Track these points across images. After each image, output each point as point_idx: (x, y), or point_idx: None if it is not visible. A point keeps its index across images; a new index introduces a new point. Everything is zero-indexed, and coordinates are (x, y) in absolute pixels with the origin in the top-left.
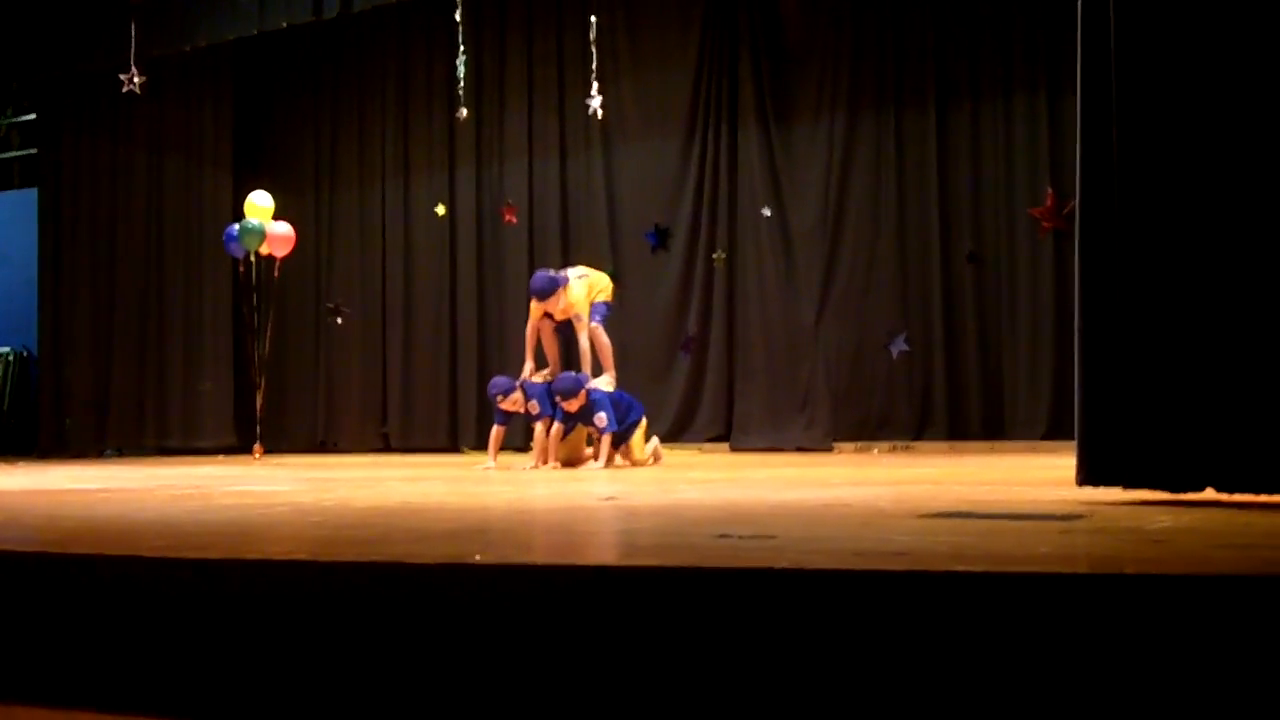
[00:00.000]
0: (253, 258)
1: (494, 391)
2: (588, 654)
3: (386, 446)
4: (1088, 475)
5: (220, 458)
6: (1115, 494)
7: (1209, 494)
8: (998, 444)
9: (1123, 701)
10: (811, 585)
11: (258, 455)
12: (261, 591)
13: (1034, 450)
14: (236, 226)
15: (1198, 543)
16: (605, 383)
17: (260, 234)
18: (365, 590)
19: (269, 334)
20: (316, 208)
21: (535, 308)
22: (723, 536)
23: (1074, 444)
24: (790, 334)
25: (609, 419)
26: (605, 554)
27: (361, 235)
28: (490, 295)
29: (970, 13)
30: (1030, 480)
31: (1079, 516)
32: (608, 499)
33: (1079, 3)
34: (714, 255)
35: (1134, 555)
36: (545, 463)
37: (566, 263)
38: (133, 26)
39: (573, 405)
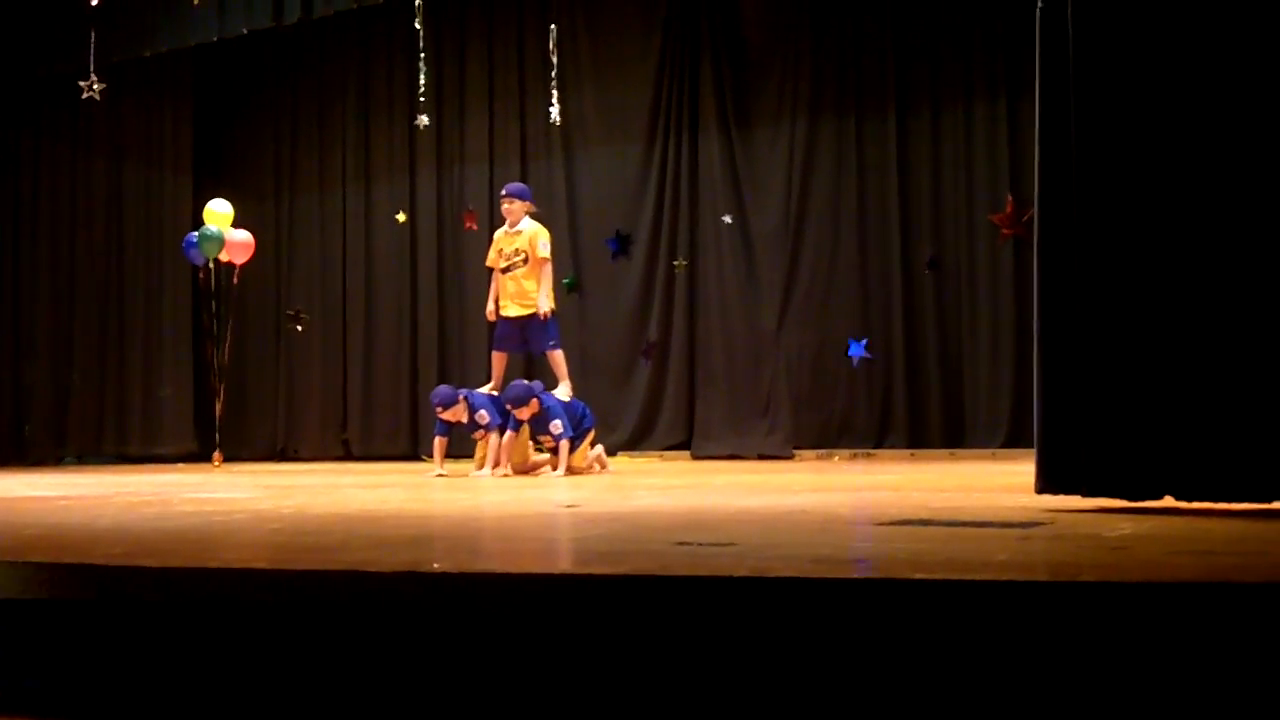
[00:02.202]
0: (211, 264)
1: (436, 401)
2: (546, 662)
3: (347, 454)
4: (1047, 483)
5: (180, 465)
6: (1074, 501)
7: (1168, 502)
8: (958, 451)
9: (1082, 708)
10: (770, 592)
11: (217, 462)
12: (220, 599)
13: (994, 458)
14: (195, 233)
15: (1157, 550)
16: (562, 392)
17: (219, 241)
18: (324, 598)
19: (229, 341)
20: (277, 214)
21: (497, 240)
22: (682, 544)
23: (1033, 451)
24: (751, 340)
25: (564, 426)
26: (564, 561)
27: (322, 242)
28: (451, 302)
29: (930, 20)
30: (989, 487)
31: (1038, 524)
32: (568, 506)
33: (1037, 10)
34: (675, 261)
35: (1093, 562)
36: (496, 469)
37: None
38: (92, 33)
39: (524, 413)
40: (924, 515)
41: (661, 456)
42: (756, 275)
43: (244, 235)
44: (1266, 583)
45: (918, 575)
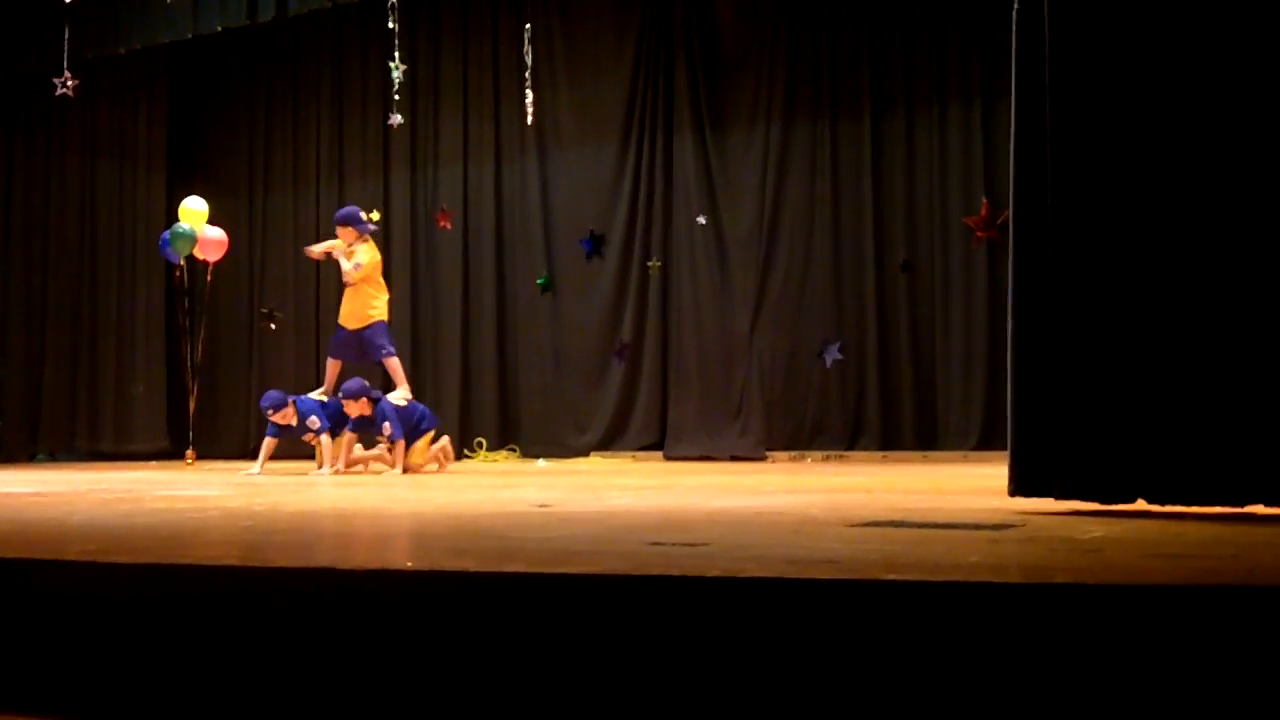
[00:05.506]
0: (183, 262)
1: (266, 405)
2: (517, 660)
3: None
4: (1020, 485)
5: (153, 462)
6: (1047, 504)
7: (1140, 505)
8: (930, 454)
9: (1054, 709)
10: (743, 593)
11: (190, 460)
12: (192, 595)
13: (966, 460)
14: (168, 231)
15: (1129, 553)
16: (399, 396)
17: (191, 239)
18: (296, 595)
19: (202, 338)
20: (250, 212)
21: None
22: (655, 544)
23: (1006, 454)
24: (724, 342)
25: (395, 429)
26: (537, 561)
27: (295, 240)
28: (423, 301)
29: (905, 22)
30: (962, 490)
31: (1011, 526)
32: (541, 506)
33: (1014, 13)
34: (649, 262)
35: (1065, 564)
36: (332, 466)
37: (499, 267)
38: (66, 29)
39: (353, 408)
40: (896, 517)
41: (634, 457)
42: (730, 277)
43: (217, 233)
44: (1238, 586)
45: (890, 576)
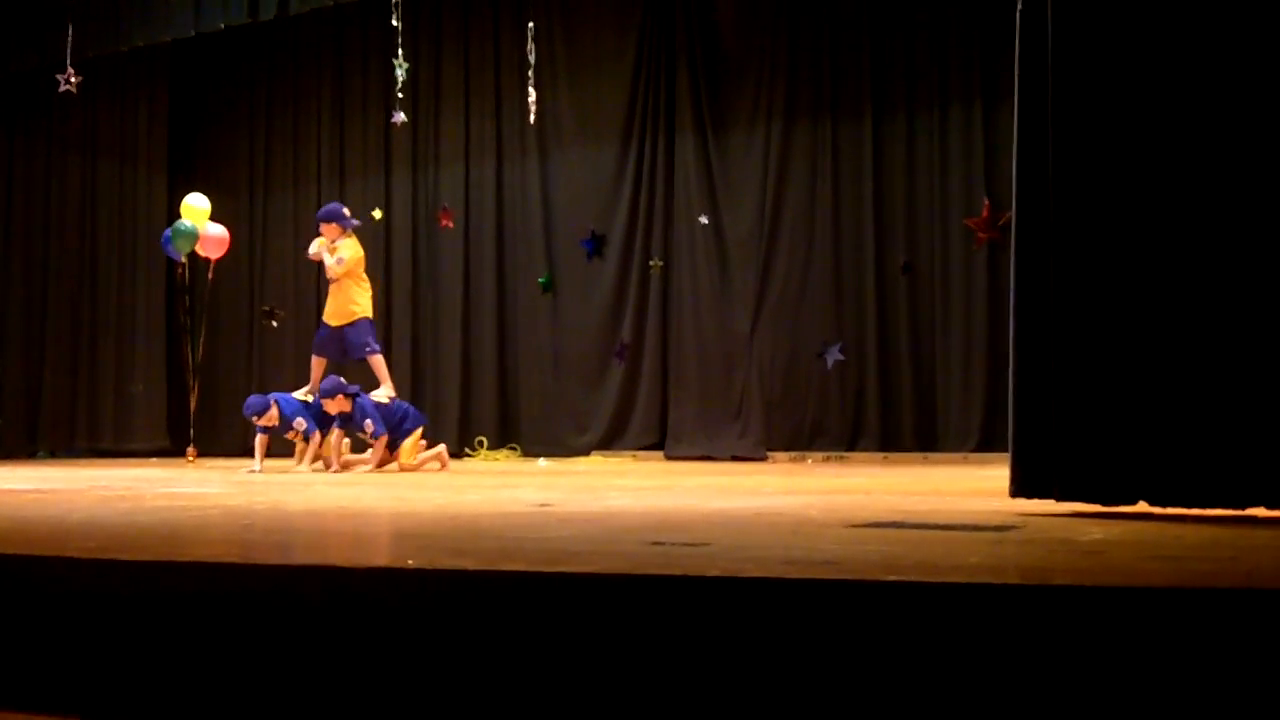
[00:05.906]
0: (184, 259)
1: (249, 413)
2: (517, 660)
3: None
4: (1020, 487)
5: (153, 460)
6: (1048, 506)
7: (1142, 507)
8: (931, 455)
9: (1051, 711)
10: (742, 593)
11: (191, 458)
12: (192, 594)
13: (966, 461)
14: (171, 229)
15: (1129, 555)
16: (381, 394)
17: (193, 236)
18: (296, 594)
19: (203, 336)
20: (251, 210)
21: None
22: (655, 544)
23: (1007, 455)
24: (725, 342)
25: (376, 425)
26: (536, 560)
27: (296, 238)
28: (425, 300)
29: (907, 23)
30: (962, 491)
31: (1011, 527)
32: (541, 506)
33: (1017, 13)
34: (650, 262)
35: (1065, 566)
36: (329, 468)
37: (499, 267)
38: (69, 27)
39: (332, 406)
40: (896, 518)
41: (635, 457)
42: (730, 277)
43: (219, 230)
44: (1237, 589)
45: (889, 577)
